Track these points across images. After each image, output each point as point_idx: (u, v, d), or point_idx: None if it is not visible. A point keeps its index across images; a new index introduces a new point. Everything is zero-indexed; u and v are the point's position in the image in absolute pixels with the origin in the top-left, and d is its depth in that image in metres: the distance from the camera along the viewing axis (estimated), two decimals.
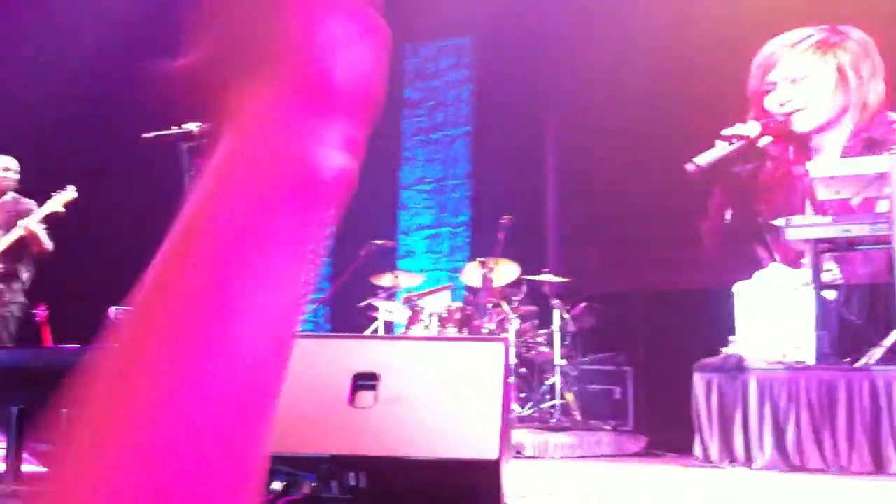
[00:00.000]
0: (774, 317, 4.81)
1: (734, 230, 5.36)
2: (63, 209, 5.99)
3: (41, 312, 6.47)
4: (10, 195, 6.15)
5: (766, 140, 5.06)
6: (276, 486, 2.37)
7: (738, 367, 4.69)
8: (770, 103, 5.32)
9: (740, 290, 4.97)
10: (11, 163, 6.23)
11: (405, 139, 9.60)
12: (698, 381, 4.85)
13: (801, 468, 4.43)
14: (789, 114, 5.68)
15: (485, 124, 9.21)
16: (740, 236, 5.44)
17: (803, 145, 5.43)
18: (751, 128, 5.07)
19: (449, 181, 9.35)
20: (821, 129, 5.38)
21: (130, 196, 8.43)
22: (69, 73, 8.70)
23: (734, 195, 5.28)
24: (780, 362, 4.68)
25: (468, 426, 2.42)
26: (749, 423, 4.59)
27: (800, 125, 5.31)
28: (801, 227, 4.76)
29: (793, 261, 5.25)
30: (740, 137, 4.93)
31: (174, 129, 4.28)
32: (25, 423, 2.94)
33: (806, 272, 4.88)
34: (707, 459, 4.73)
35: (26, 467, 3.02)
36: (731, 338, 4.94)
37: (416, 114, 9.60)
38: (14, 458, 2.93)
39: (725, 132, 4.99)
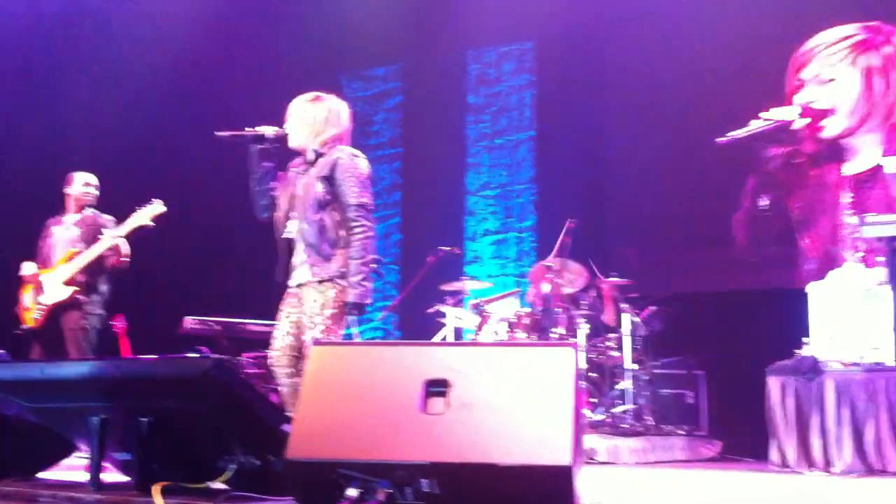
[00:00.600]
0: (850, 317, 4.70)
1: (768, 220, 5.22)
2: (152, 223, 6.12)
3: (119, 324, 6.63)
4: (90, 211, 6.32)
5: (801, 123, 4.94)
6: (352, 492, 2.39)
7: (813, 370, 4.59)
8: (797, 102, 5.18)
9: (814, 289, 4.87)
10: (92, 179, 6.41)
11: (469, 145, 9.62)
12: (773, 383, 4.76)
13: (882, 472, 4.32)
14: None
15: (548, 128, 9.19)
16: (775, 227, 5.30)
17: (835, 147, 5.26)
18: (789, 112, 4.96)
19: (514, 186, 9.34)
20: (843, 136, 5.21)
21: (201, 207, 8.59)
22: (141, 87, 8.91)
23: (767, 183, 5.15)
24: (857, 364, 4.57)
25: (540, 432, 2.42)
26: (826, 427, 4.49)
27: (825, 130, 5.16)
28: (878, 225, 4.65)
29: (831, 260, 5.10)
30: (777, 120, 4.88)
31: (248, 131, 4.37)
32: (106, 433, 3.01)
33: (882, 271, 4.75)
34: (784, 464, 4.64)
35: (107, 476, 3.09)
36: (804, 339, 4.84)
37: (480, 119, 9.62)
38: (96, 467, 3.00)
39: (763, 114, 4.92)
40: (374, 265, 4.31)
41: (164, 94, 9.05)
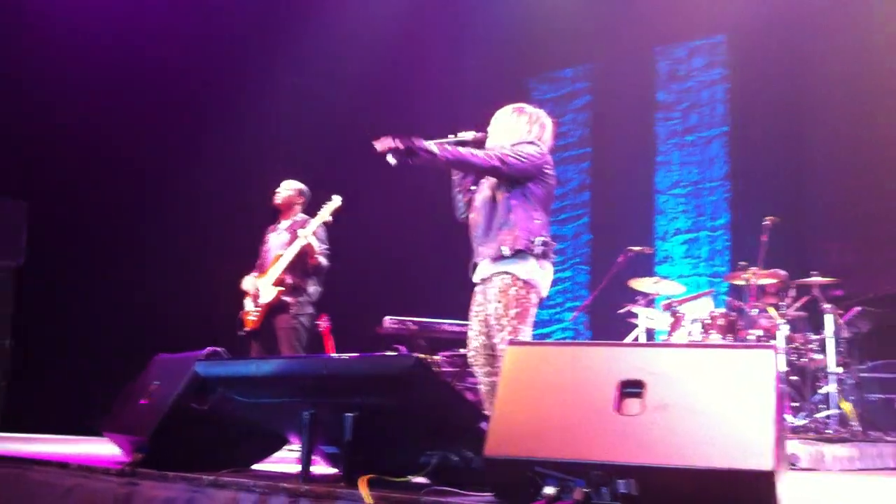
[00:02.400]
0: None
1: None
2: (330, 218, 6.39)
3: (324, 323, 6.93)
4: (300, 216, 6.63)
5: None
6: (549, 490, 2.43)
7: None
8: None
9: None
10: (299, 185, 6.71)
11: (659, 143, 9.46)
12: None
13: None
14: None
15: (742, 123, 8.92)
16: None
17: None
18: None
19: (706, 183, 9.12)
20: None
21: (399, 209, 8.88)
22: (339, 93, 9.29)
23: None
24: None
25: (740, 435, 2.37)
26: None
27: None
28: None
29: None
30: None
31: (450, 138, 4.49)
32: (315, 427, 3.18)
33: None
34: None
35: (316, 468, 3.26)
36: None
37: (670, 116, 9.45)
38: (306, 459, 3.17)
39: None
40: (543, 247, 4.27)
41: (359, 100, 9.41)
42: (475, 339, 4.38)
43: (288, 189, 6.66)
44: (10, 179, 7.51)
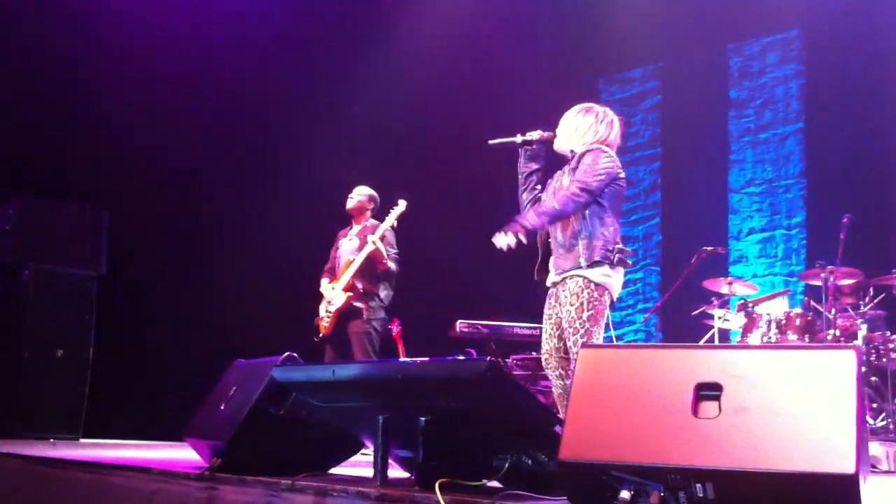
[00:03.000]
0: None
1: None
2: (395, 223, 6.47)
3: (395, 327, 6.99)
4: (371, 221, 6.71)
5: None
6: (625, 494, 2.41)
7: None
8: None
9: None
10: (369, 191, 6.78)
11: (732, 141, 9.32)
12: None
13: None
14: None
15: (818, 119, 8.74)
16: None
17: None
18: None
19: (781, 181, 8.95)
20: None
21: (470, 211, 8.90)
22: (411, 96, 9.36)
23: None
24: None
25: (820, 438, 2.32)
26: None
27: None
28: None
29: None
30: None
31: (518, 137, 4.54)
32: (389, 431, 3.20)
33: None
34: None
35: (391, 472, 3.29)
36: None
37: (743, 114, 9.30)
38: (381, 463, 3.20)
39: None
40: (619, 255, 4.27)
41: (432, 103, 9.47)
42: (548, 342, 4.38)
43: (359, 194, 6.73)
44: (92, 189, 7.72)
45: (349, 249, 6.60)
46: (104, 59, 8.09)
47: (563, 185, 4.38)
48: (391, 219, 6.50)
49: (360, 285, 6.42)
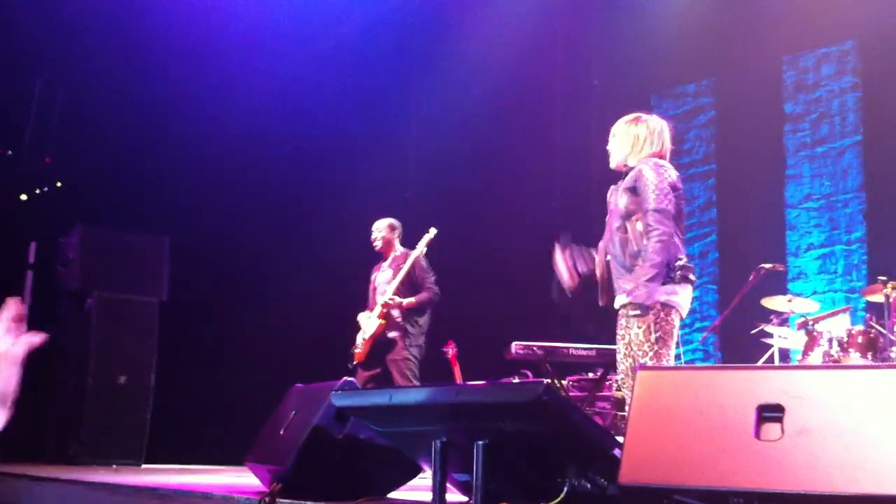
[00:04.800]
0: None
1: None
2: (425, 249, 6.54)
3: (451, 350, 7.01)
4: (400, 250, 6.78)
5: None
6: None
7: None
8: None
9: None
10: (393, 222, 6.87)
11: (788, 156, 9.19)
12: None
13: None
14: None
15: (876, 131, 8.58)
16: None
17: None
18: None
19: (839, 196, 8.80)
20: None
21: (525, 232, 8.89)
22: (465, 112, 9.41)
23: None
24: None
25: (886, 459, 2.27)
26: None
27: None
28: None
29: None
30: None
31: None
32: (447, 455, 3.20)
33: None
34: None
35: (449, 496, 3.28)
36: None
37: (799, 128, 9.17)
38: (439, 487, 3.20)
39: None
40: (681, 271, 4.22)
41: (484, 122, 9.51)
42: (623, 363, 4.30)
43: (380, 230, 6.83)
44: (153, 216, 7.87)
45: (383, 280, 6.71)
46: (166, 89, 8.26)
47: (618, 205, 4.32)
48: (421, 246, 6.59)
49: (394, 314, 6.49)
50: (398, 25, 9.62)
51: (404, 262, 6.59)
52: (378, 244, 6.81)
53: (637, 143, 4.37)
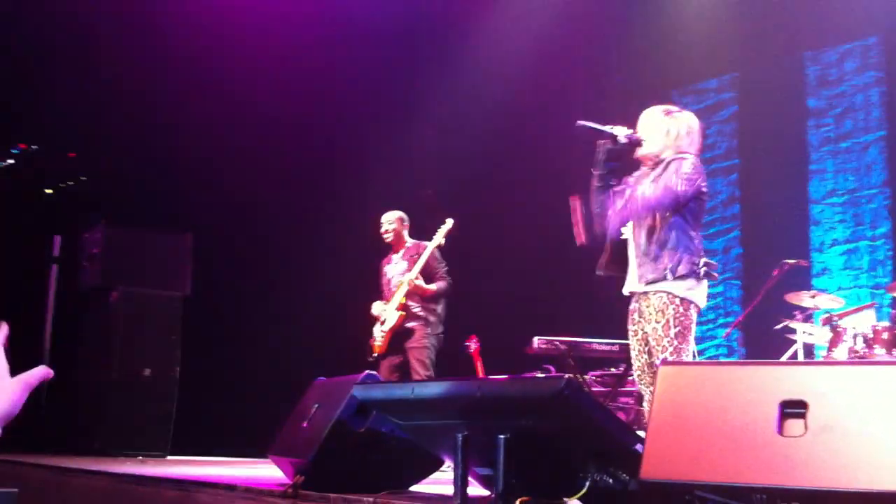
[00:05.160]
0: None
1: None
2: (443, 241, 6.57)
3: (473, 344, 7.03)
4: (410, 241, 6.82)
5: None
6: None
7: None
8: None
9: None
10: (401, 214, 6.91)
11: (811, 151, 9.13)
12: None
13: None
14: None
15: None
16: None
17: None
18: None
19: (863, 191, 8.74)
20: None
21: (545, 226, 8.89)
22: (480, 111, 9.40)
23: None
24: None
25: None
26: None
27: None
28: None
29: None
30: None
31: (606, 127, 4.38)
32: (468, 448, 3.21)
33: None
34: None
35: (471, 490, 3.29)
36: None
37: (822, 123, 9.11)
38: (460, 481, 3.21)
39: None
40: (705, 268, 4.20)
41: (505, 118, 9.51)
42: (638, 359, 4.27)
43: (391, 222, 6.87)
44: (177, 212, 7.93)
45: (397, 272, 6.75)
46: (189, 85, 8.32)
47: (644, 193, 4.27)
48: (439, 237, 6.63)
49: (412, 304, 6.53)
50: (416, 18, 9.62)
51: (417, 253, 6.64)
52: (389, 237, 6.85)
53: (673, 135, 4.32)
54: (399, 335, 6.57)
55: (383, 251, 7.05)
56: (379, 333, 6.64)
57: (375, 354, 6.65)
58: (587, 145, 4.42)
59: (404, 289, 6.56)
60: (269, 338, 8.31)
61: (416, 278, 6.55)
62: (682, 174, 4.18)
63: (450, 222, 6.69)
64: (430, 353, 6.56)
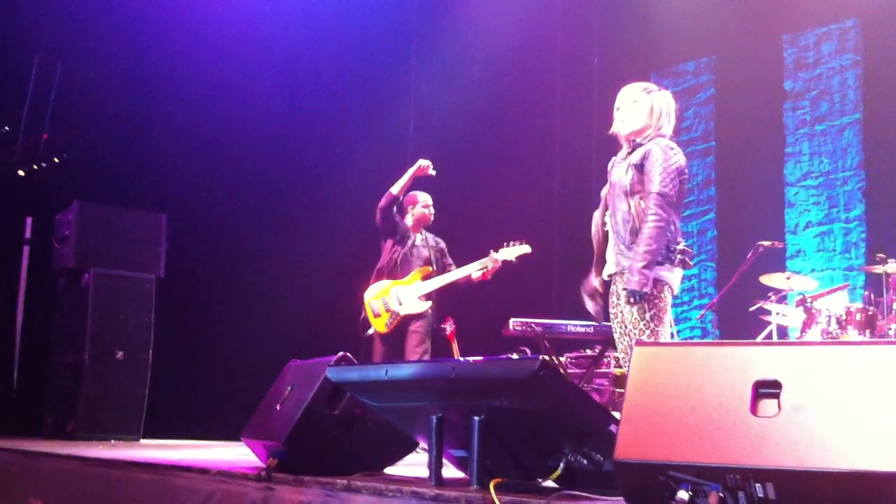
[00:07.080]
0: None
1: None
2: (514, 260, 6.64)
3: (449, 326, 7.02)
4: (427, 231, 6.78)
5: None
6: (683, 494, 2.38)
7: None
8: None
9: None
10: (429, 199, 6.83)
11: (787, 133, 9.17)
12: None
13: None
14: None
15: (876, 109, 8.56)
16: None
17: None
18: None
19: (838, 174, 8.78)
20: None
21: (521, 209, 8.88)
22: (467, 96, 9.38)
23: None
24: None
25: (884, 436, 2.27)
26: None
27: None
28: None
29: None
30: None
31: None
32: (443, 430, 3.20)
33: None
34: None
35: (446, 472, 3.28)
36: None
37: (798, 106, 9.15)
38: (435, 463, 3.20)
39: None
40: (680, 255, 4.20)
41: (486, 101, 9.48)
42: (620, 341, 4.30)
43: (422, 203, 6.79)
44: (149, 193, 7.85)
45: (419, 256, 6.66)
46: (164, 66, 8.22)
47: (621, 180, 4.26)
48: (511, 253, 6.65)
49: (436, 297, 6.55)
50: (397, 5, 9.57)
51: (436, 246, 6.70)
52: (432, 218, 6.81)
53: (655, 116, 4.30)
54: (408, 319, 6.52)
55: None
56: (388, 312, 6.51)
57: (373, 331, 6.56)
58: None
59: (440, 282, 6.53)
60: (244, 320, 8.26)
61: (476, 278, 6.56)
62: (666, 172, 4.16)
63: (526, 246, 6.68)
64: (429, 331, 6.59)
